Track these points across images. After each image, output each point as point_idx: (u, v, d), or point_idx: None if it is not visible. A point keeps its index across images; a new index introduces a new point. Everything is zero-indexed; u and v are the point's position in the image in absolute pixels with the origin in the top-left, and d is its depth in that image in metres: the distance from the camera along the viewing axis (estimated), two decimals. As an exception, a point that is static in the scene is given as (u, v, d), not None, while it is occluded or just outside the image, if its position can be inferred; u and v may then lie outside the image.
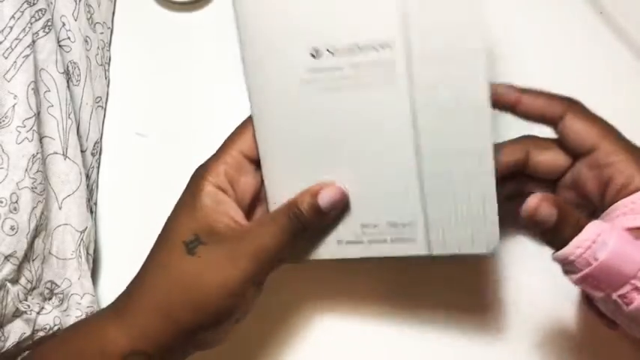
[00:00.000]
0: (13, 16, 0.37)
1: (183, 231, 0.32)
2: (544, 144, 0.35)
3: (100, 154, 0.43)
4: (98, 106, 0.43)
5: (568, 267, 0.29)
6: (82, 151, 0.40)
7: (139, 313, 0.31)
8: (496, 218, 0.31)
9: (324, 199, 0.32)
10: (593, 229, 0.28)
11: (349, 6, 0.30)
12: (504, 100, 0.34)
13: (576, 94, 0.34)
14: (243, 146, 0.34)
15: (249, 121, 0.34)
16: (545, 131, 0.34)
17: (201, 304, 0.31)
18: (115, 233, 0.42)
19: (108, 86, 0.44)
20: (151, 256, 0.33)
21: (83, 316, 0.38)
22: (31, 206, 0.35)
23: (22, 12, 0.38)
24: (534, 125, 0.34)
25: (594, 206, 0.33)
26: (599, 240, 0.27)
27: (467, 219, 0.31)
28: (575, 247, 0.28)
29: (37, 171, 0.36)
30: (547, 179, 0.35)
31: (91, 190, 0.41)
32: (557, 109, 0.33)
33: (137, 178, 0.43)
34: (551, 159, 0.34)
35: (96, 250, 0.40)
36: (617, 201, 0.31)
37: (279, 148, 0.33)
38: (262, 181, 0.34)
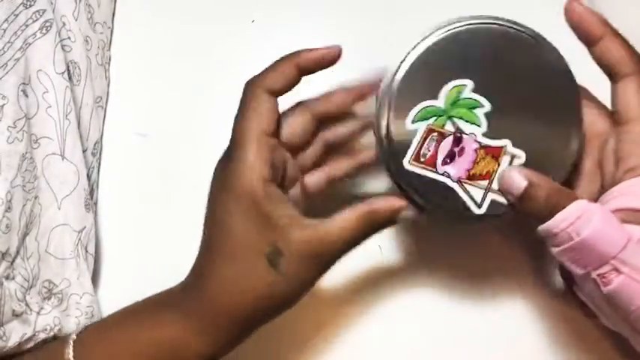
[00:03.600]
0: (6, 20, 0.38)
1: (259, 241, 0.31)
2: (589, 102, 0.33)
3: (100, 154, 0.43)
4: (98, 106, 0.43)
5: (551, 240, 0.29)
6: (83, 151, 0.40)
7: (217, 323, 0.32)
8: None
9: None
10: (579, 205, 0.28)
11: None
12: (586, 31, 0.31)
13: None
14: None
15: None
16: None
17: (279, 312, 0.33)
18: (115, 233, 0.42)
19: (108, 86, 0.44)
20: (223, 258, 0.32)
21: (83, 317, 0.38)
22: (22, 204, 0.36)
23: (17, 15, 0.38)
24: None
25: (606, 182, 0.32)
26: (584, 217, 0.28)
27: None
28: (560, 221, 0.28)
29: (26, 170, 0.36)
30: None
31: (92, 190, 0.41)
32: (628, 68, 0.30)
33: (137, 178, 0.43)
34: (589, 120, 0.32)
35: (96, 250, 0.40)
36: (622, 181, 0.30)
37: None
38: None
